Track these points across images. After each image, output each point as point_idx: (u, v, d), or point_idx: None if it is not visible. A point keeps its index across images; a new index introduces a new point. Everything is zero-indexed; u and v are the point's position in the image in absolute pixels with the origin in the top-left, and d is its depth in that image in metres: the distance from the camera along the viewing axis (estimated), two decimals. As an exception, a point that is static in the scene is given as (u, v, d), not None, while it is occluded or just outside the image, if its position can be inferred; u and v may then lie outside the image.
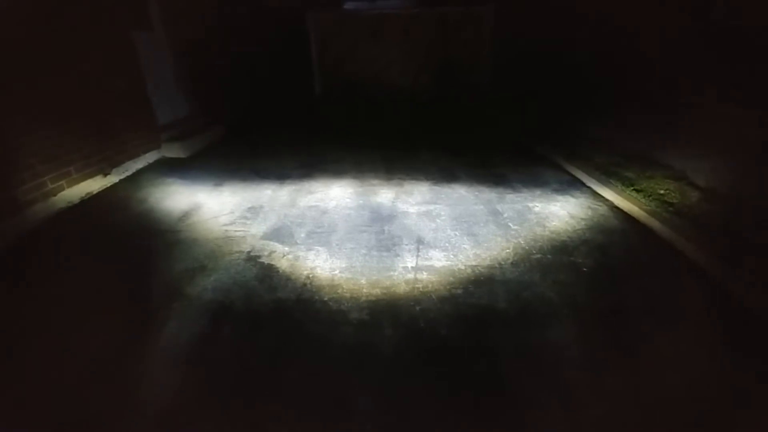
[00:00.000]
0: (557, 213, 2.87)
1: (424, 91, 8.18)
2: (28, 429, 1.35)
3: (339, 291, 2.00)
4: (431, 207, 3.00)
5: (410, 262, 2.25)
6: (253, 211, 2.97)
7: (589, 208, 2.95)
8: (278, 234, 2.61)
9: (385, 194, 3.27)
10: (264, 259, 2.29)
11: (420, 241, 2.48)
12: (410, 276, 2.12)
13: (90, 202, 3.16)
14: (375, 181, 3.57)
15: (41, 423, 1.35)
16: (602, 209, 2.92)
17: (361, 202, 3.12)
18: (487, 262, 2.24)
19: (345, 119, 6.80)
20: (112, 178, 3.54)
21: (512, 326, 1.75)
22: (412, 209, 2.96)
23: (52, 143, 2.94)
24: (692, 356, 1.59)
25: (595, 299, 1.94)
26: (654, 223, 2.65)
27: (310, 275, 2.13)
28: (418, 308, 1.86)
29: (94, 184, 3.32)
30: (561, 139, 4.79)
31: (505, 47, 8.02)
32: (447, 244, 2.44)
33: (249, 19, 7.28)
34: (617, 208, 2.94)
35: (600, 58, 6.87)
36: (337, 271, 2.17)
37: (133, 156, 3.86)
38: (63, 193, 3.01)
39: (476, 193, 3.29)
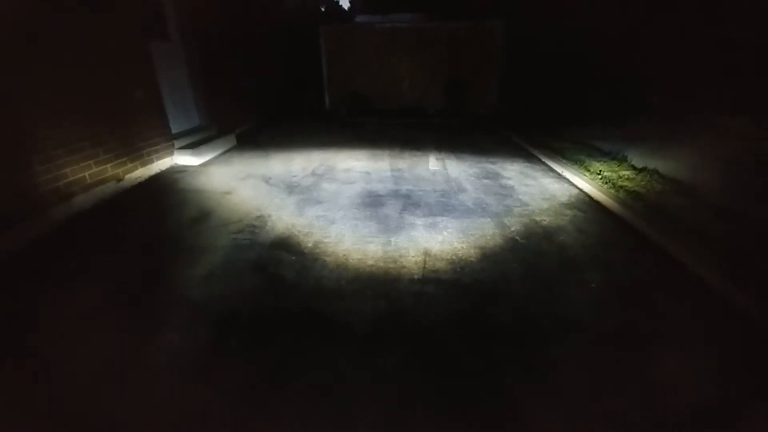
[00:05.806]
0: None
1: (433, 104, 8.24)
2: None
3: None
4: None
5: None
6: (261, 220, 3.01)
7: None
8: (285, 244, 2.63)
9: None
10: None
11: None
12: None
13: (103, 207, 3.23)
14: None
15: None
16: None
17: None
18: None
19: (356, 132, 6.85)
20: (125, 184, 3.62)
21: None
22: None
23: (70, 149, 3.02)
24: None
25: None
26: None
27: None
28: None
29: (107, 190, 3.39)
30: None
31: (513, 60, 8.10)
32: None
33: (265, 32, 7.47)
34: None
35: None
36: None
37: (147, 163, 3.94)
38: (77, 198, 3.08)
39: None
